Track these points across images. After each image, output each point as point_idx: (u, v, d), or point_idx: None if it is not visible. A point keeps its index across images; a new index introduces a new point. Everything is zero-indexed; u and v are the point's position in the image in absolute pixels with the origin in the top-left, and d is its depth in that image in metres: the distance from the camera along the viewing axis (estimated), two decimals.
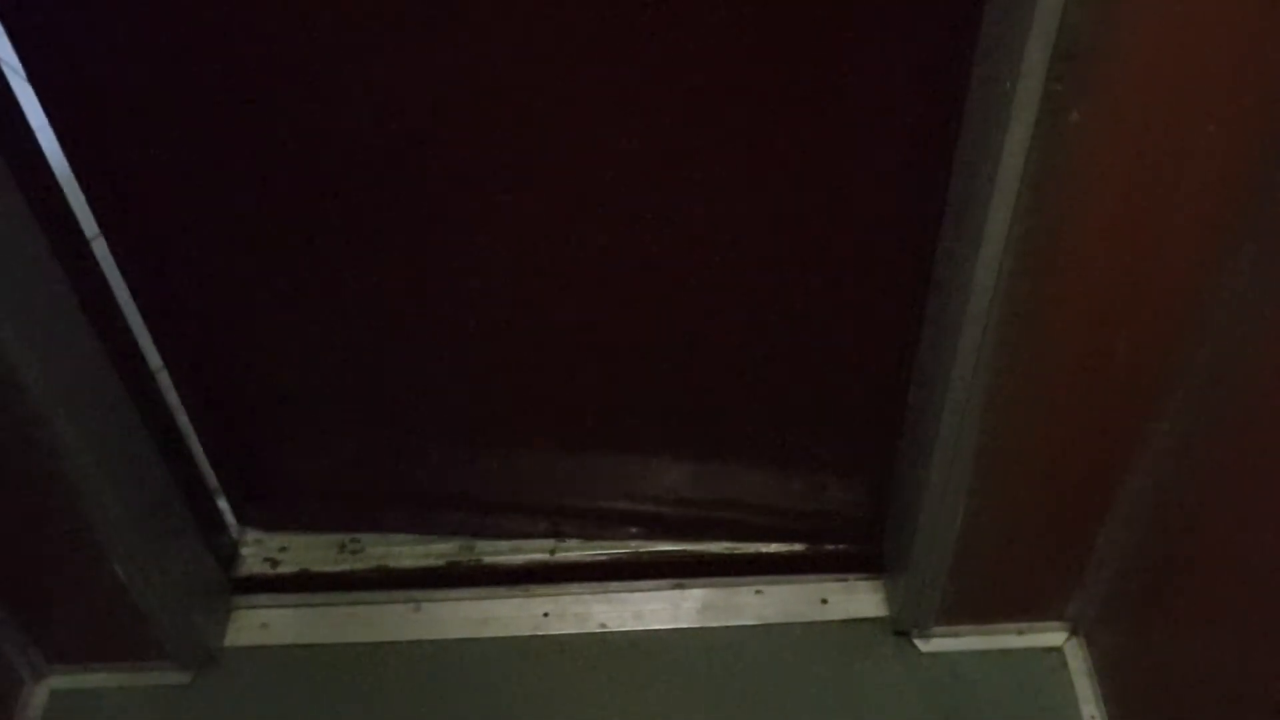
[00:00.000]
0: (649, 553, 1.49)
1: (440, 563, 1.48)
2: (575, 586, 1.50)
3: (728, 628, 1.47)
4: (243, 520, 1.51)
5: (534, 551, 1.49)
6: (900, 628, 1.44)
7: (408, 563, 1.49)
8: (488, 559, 1.49)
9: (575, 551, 1.49)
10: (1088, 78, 0.87)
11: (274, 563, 1.49)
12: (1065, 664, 1.42)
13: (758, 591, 1.49)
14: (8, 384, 1.07)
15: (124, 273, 1.19)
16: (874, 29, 0.98)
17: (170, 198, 1.13)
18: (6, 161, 1.01)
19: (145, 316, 1.24)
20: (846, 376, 1.29)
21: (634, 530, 1.48)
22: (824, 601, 1.48)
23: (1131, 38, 0.85)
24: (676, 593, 1.49)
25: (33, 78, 1.03)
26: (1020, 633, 1.43)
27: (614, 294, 1.22)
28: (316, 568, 1.49)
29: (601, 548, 1.49)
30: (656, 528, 1.47)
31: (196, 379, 1.31)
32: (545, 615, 1.48)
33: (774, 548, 1.48)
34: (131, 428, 1.25)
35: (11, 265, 1.03)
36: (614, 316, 1.24)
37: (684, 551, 1.48)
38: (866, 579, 1.49)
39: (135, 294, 1.21)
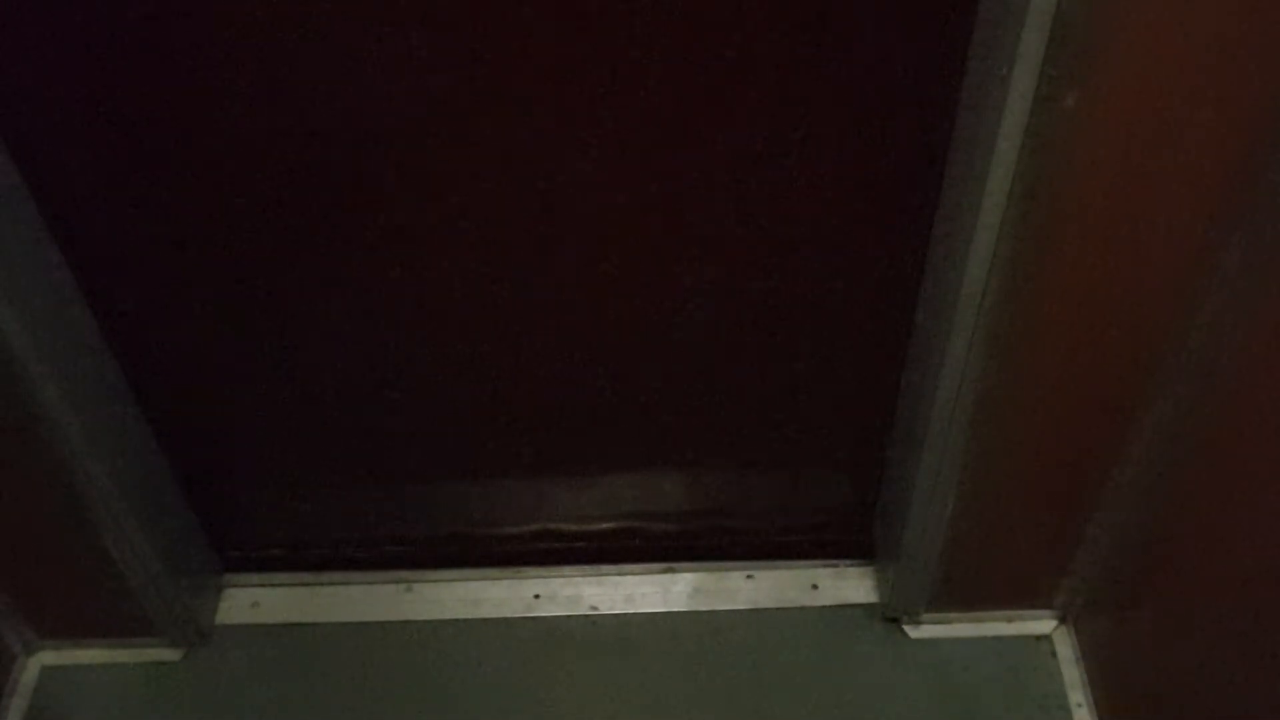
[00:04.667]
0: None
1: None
2: (567, 569, 1.50)
3: (718, 612, 1.47)
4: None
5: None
6: (890, 614, 1.44)
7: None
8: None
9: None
10: (1083, 63, 0.87)
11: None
12: (1054, 651, 1.43)
13: (748, 576, 1.49)
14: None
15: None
16: (867, 13, 0.98)
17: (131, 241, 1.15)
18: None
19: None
20: (837, 364, 1.29)
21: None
22: (814, 587, 1.48)
23: (1127, 23, 0.85)
24: (667, 576, 1.50)
25: None
26: (1009, 620, 1.44)
27: (600, 296, 1.22)
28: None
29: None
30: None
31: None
32: (536, 597, 1.49)
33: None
34: (123, 403, 1.25)
35: (7, 244, 1.03)
36: (601, 319, 1.24)
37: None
38: (857, 565, 1.49)
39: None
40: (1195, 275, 1.03)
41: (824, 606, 1.47)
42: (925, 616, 1.43)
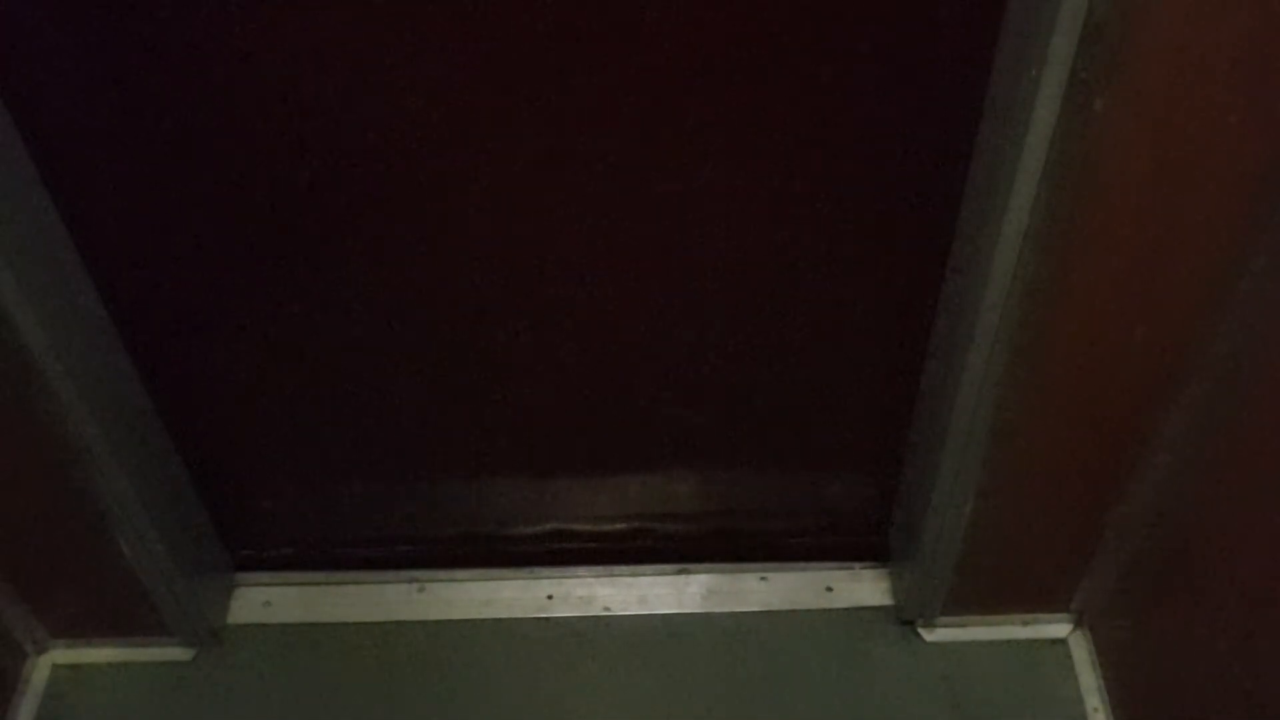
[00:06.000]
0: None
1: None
2: (580, 569, 1.50)
3: (732, 613, 1.47)
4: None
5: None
6: (905, 617, 1.43)
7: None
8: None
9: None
10: (1113, 66, 0.86)
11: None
12: (1069, 656, 1.42)
13: (763, 578, 1.49)
14: (14, 356, 1.07)
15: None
16: (890, 13, 0.97)
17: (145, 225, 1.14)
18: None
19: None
20: (854, 365, 1.29)
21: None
22: (829, 589, 1.47)
23: (1157, 27, 0.84)
24: (681, 577, 1.49)
25: None
26: (1025, 624, 1.43)
27: (617, 296, 1.21)
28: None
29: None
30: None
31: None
32: (549, 597, 1.48)
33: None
34: (138, 402, 1.24)
35: (26, 244, 1.03)
36: (617, 318, 1.24)
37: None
38: (872, 568, 1.49)
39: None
40: (1221, 281, 1.02)
41: (838, 609, 1.46)
42: (940, 620, 1.42)
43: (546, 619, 1.47)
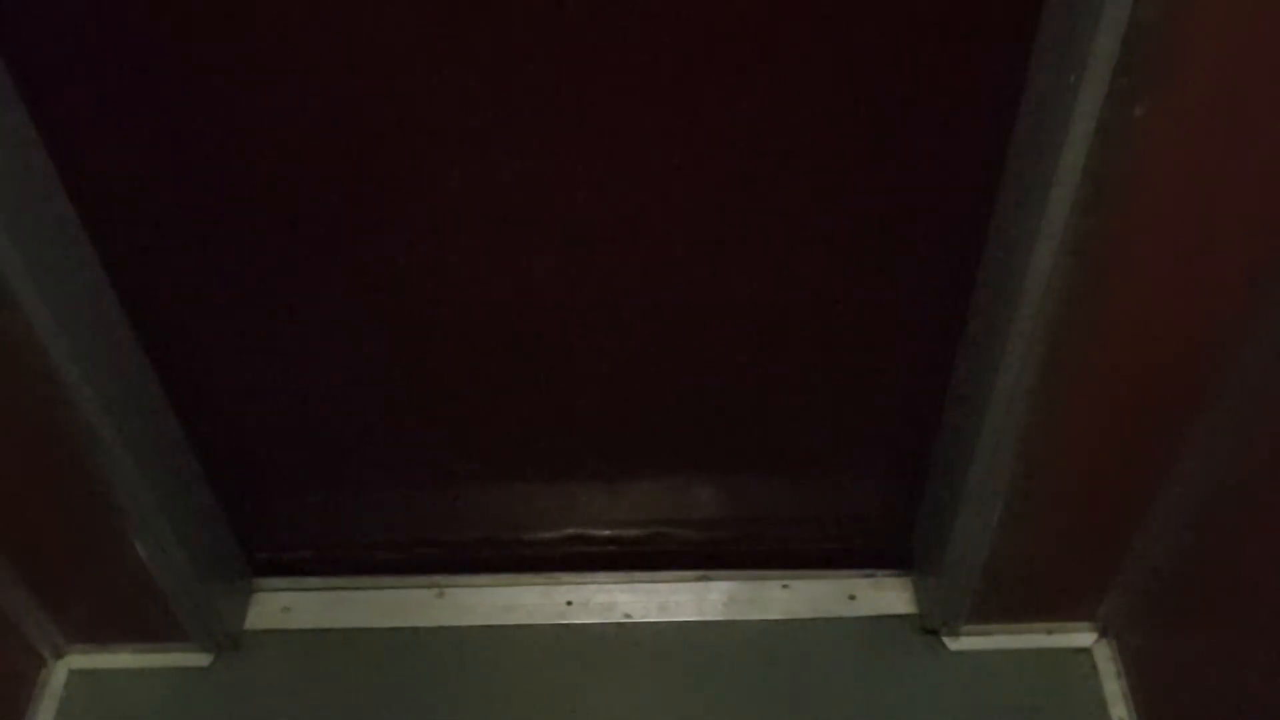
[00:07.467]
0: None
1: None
2: (600, 575, 1.49)
3: (753, 621, 1.45)
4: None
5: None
6: (929, 626, 1.42)
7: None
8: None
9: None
10: (1155, 71, 0.85)
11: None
12: (1094, 665, 1.41)
13: (784, 586, 1.47)
14: (30, 359, 1.06)
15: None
16: (928, 17, 0.96)
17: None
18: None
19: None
20: (879, 371, 1.27)
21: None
22: (852, 598, 1.46)
23: (1200, 33, 0.83)
24: (702, 585, 1.48)
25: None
26: (1050, 633, 1.42)
27: (636, 299, 1.20)
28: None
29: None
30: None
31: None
32: (569, 604, 1.47)
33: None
34: (155, 406, 1.23)
35: (44, 246, 1.02)
36: (637, 322, 1.23)
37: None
38: (895, 576, 1.47)
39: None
40: (1258, 293, 1.01)
41: (861, 617, 1.45)
42: (965, 628, 1.41)
43: (566, 625, 1.46)
